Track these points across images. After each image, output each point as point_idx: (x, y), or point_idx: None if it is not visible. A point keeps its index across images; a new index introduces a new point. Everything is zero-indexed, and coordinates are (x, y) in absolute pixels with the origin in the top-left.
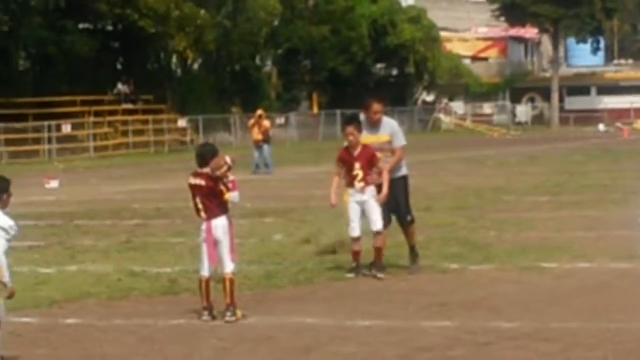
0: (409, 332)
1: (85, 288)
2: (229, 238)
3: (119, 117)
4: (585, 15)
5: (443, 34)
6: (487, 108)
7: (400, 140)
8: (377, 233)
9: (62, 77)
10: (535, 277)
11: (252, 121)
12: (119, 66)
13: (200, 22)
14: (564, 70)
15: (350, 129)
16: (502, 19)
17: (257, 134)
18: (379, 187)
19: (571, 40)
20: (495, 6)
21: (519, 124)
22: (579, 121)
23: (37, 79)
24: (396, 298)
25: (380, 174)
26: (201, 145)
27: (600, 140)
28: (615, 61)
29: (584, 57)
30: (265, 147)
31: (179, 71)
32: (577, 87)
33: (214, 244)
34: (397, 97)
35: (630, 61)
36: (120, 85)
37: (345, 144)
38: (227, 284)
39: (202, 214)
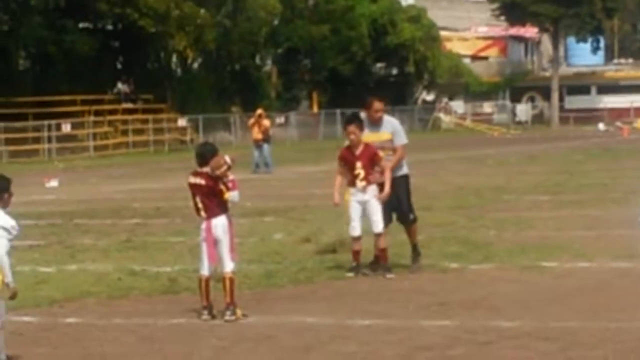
0: (409, 331)
1: (85, 287)
2: (229, 237)
3: (119, 117)
4: (586, 14)
5: (443, 33)
6: (487, 107)
7: (402, 139)
8: (379, 235)
9: (62, 76)
10: (535, 277)
11: (252, 120)
12: (119, 66)
13: (200, 22)
14: (564, 70)
15: (352, 128)
16: (502, 18)
17: (257, 134)
18: (380, 186)
19: (571, 40)
20: (495, 5)
21: (519, 123)
22: (579, 120)
23: (37, 79)
24: (396, 297)
25: (382, 172)
26: (201, 144)
27: (601, 140)
28: (616, 60)
29: (584, 56)
30: (265, 146)
31: (179, 70)
32: (577, 86)
33: (214, 243)
34: (397, 96)
35: (630, 60)
36: (120, 85)
37: (347, 143)
38: (227, 283)
39: (202, 213)
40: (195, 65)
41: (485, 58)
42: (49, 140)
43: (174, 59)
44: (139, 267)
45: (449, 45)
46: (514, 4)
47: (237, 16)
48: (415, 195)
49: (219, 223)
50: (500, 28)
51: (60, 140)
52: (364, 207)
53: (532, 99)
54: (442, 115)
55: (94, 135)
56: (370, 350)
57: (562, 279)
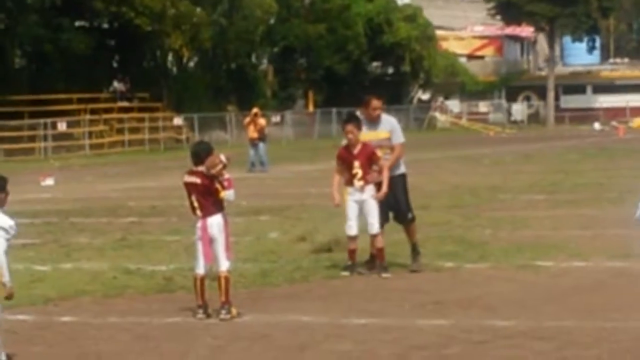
0: (404, 330)
1: (80, 286)
2: (224, 236)
3: (114, 115)
4: (581, 14)
5: (439, 32)
6: (482, 107)
7: (399, 138)
8: (374, 236)
9: (58, 75)
10: (530, 276)
11: (247, 119)
12: (115, 64)
13: (196, 20)
14: (559, 69)
15: (350, 127)
16: (498, 17)
17: (252, 132)
18: (378, 185)
19: (567, 39)
20: (491, 5)
21: (515, 122)
22: (574, 120)
23: (33, 77)
24: (392, 296)
25: (380, 172)
26: (196, 143)
27: (596, 139)
28: (611, 60)
29: (580, 55)
30: (261, 145)
31: (174, 69)
32: (573, 85)
33: (210, 242)
34: (393, 95)
35: (626, 60)
36: (116, 83)
37: (345, 142)
38: (222, 282)
39: (198, 212)
40: (191, 64)
41: (481, 57)
42: (45, 138)
43: (170, 57)
44: (134, 266)
45: (444, 45)
46: (509, 3)
47: (233, 15)
48: (411, 195)
49: (215, 222)
50: (496, 27)
51: (56, 139)
52: (361, 207)
53: (527, 99)
54: (437, 114)
55: (90, 134)
56: (366, 349)
57: (557, 278)
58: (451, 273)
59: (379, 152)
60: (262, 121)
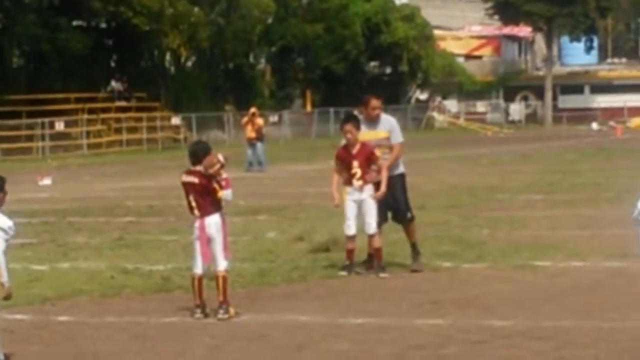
0: (402, 330)
1: (77, 285)
2: (222, 236)
3: (112, 115)
4: (579, 14)
5: (437, 32)
6: (480, 106)
7: (398, 137)
8: (372, 236)
9: (55, 74)
10: (528, 276)
11: (245, 119)
12: (112, 64)
13: (194, 20)
14: (557, 69)
15: (349, 127)
16: (496, 17)
17: (250, 132)
18: (377, 185)
19: (565, 39)
20: (489, 5)
21: (513, 122)
22: (572, 120)
23: (30, 77)
24: (389, 296)
25: (379, 171)
26: (194, 143)
27: (594, 139)
28: (609, 60)
29: (578, 55)
30: (259, 145)
31: (172, 69)
32: (571, 85)
33: (208, 241)
34: (390, 95)
35: (623, 60)
36: (113, 83)
37: (344, 142)
38: (220, 281)
39: (196, 211)
40: (189, 63)
41: (479, 57)
42: (43, 138)
43: (168, 57)
44: (132, 266)
45: (442, 44)
46: (507, 3)
47: (230, 14)
48: (409, 194)
49: (213, 221)
50: (494, 27)
51: (54, 138)
52: (359, 206)
53: (525, 99)
54: (435, 114)
55: (88, 134)
56: (363, 349)
57: (555, 278)
58: (449, 273)
59: (378, 152)
60: (259, 121)
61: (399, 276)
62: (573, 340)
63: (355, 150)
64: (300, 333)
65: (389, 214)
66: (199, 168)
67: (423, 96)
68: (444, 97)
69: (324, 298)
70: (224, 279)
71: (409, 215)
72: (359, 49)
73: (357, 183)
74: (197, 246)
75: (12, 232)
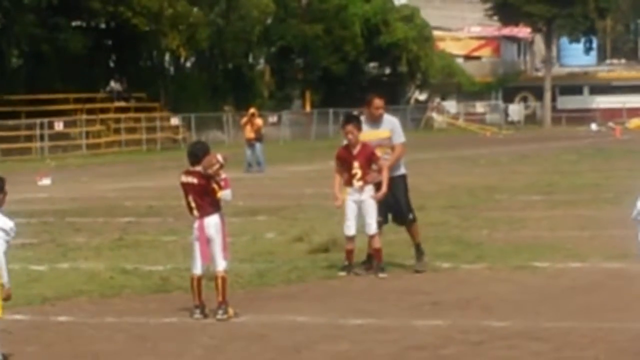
0: (401, 330)
1: (77, 286)
2: (221, 236)
3: (111, 115)
4: (579, 14)
5: (436, 33)
6: (479, 107)
7: (400, 137)
8: (372, 236)
9: (55, 74)
10: (527, 277)
11: (244, 119)
12: (111, 64)
13: (193, 20)
14: (556, 70)
15: (350, 127)
16: (495, 18)
17: (249, 133)
18: (378, 186)
19: (564, 40)
20: (488, 5)
21: (512, 123)
22: (571, 121)
23: (30, 77)
24: (389, 297)
25: (380, 171)
26: (193, 143)
27: (593, 140)
28: (608, 61)
29: (577, 56)
30: (258, 145)
31: (171, 69)
32: (570, 86)
33: (207, 242)
34: (389, 96)
35: (622, 61)
36: (113, 83)
37: (345, 142)
38: (219, 282)
39: (195, 212)
40: (188, 64)
41: (478, 58)
42: (42, 138)
43: (167, 57)
44: (131, 266)
45: (441, 45)
46: (507, 4)
47: (230, 15)
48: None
49: (212, 222)
50: (493, 28)
51: (53, 139)
52: (359, 207)
53: (524, 99)
54: (434, 114)
55: (87, 134)
56: (362, 350)
57: (554, 279)
58: (448, 273)
59: (379, 152)
60: (259, 121)
61: (398, 277)
62: (572, 340)
63: (356, 151)
64: (299, 333)
65: (390, 216)
66: (198, 168)
67: (422, 97)
68: (443, 98)
69: (323, 299)
70: (223, 279)
71: (410, 216)
72: (358, 49)
73: (357, 184)
74: (196, 247)
75: (13, 233)
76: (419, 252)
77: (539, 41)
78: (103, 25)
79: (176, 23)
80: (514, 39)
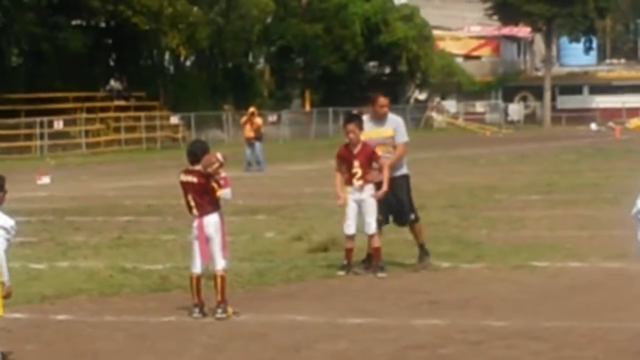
0: (400, 330)
1: (76, 284)
2: (220, 235)
3: (111, 114)
4: (578, 14)
5: (436, 32)
6: (479, 107)
7: (403, 136)
8: (371, 236)
9: (54, 73)
10: (526, 276)
11: (244, 118)
12: (111, 63)
13: (193, 20)
14: (556, 70)
15: (352, 126)
16: (495, 17)
17: (249, 132)
18: (378, 185)
19: (564, 40)
20: (488, 5)
21: (511, 122)
22: (571, 120)
23: (29, 75)
24: (388, 296)
25: (380, 170)
26: (193, 142)
27: (593, 140)
28: (608, 61)
29: (577, 56)
30: (258, 144)
31: (171, 68)
32: (570, 86)
33: (206, 241)
34: (389, 95)
35: (622, 61)
36: (112, 82)
37: (346, 141)
38: (219, 281)
39: (194, 211)
40: (188, 63)
41: (478, 57)
42: (41, 137)
43: (167, 56)
44: (131, 265)
45: (441, 45)
46: (506, 3)
47: (230, 14)
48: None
49: (211, 221)
50: (493, 27)
51: (53, 137)
52: (359, 206)
53: (524, 99)
54: (434, 114)
55: (86, 133)
56: (361, 349)
57: (553, 278)
58: (447, 273)
59: (381, 150)
60: (258, 120)
61: (397, 276)
62: (571, 340)
63: (356, 150)
64: (298, 333)
65: (390, 217)
66: (197, 167)
67: (422, 96)
68: (443, 97)
69: (323, 298)
70: (222, 278)
71: (412, 216)
72: (358, 48)
73: (357, 183)
74: (196, 245)
75: (13, 231)
76: (423, 252)
77: (539, 41)
78: (103, 24)
79: (176, 22)
80: (514, 38)
